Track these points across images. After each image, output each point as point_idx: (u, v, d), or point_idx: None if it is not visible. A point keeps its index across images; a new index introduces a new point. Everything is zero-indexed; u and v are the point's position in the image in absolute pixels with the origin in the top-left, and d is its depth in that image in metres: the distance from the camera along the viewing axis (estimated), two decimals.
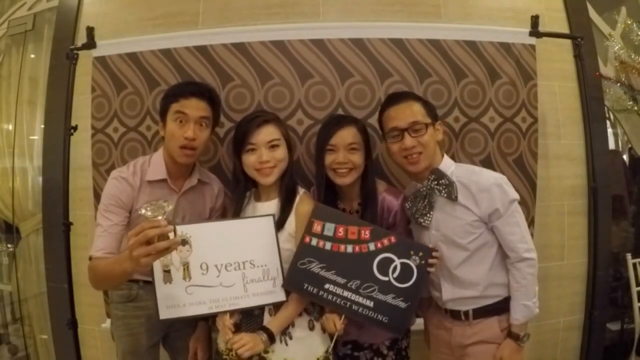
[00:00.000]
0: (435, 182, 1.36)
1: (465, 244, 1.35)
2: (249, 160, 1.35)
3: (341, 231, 1.27)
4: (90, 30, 1.87)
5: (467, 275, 1.36)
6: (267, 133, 1.35)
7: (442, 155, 1.41)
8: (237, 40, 1.79)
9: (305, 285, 1.28)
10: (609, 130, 2.23)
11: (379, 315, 1.29)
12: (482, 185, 1.33)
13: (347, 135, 1.39)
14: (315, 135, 1.73)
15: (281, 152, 1.37)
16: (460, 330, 1.41)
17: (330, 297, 1.28)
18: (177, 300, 1.26)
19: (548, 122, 1.99)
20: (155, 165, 1.45)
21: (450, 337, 1.43)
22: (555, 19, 2.05)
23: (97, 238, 1.35)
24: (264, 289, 1.32)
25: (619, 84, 2.20)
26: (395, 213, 1.44)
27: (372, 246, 1.28)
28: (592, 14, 2.18)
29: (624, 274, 2.35)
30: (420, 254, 1.29)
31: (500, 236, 1.34)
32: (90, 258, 1.32)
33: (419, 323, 1.59)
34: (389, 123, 1.37)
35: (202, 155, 1.76)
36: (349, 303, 1.28)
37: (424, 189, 1.38)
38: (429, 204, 1.37)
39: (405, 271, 1.29)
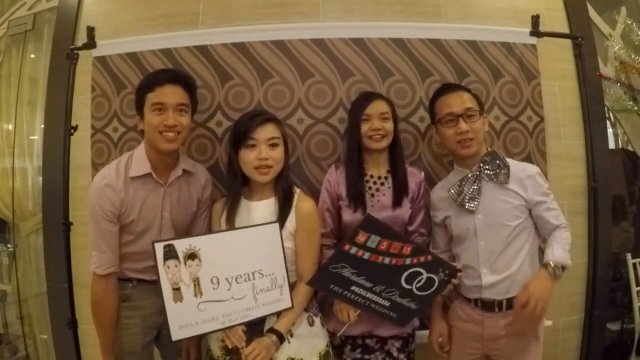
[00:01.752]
0: (487, 167, 1.43)
1: (513, 226, 1.40)
2: (248, 156, 1.34)
3: (384, 245, 1.25)
4: (90, 30, 1.87)
5: (507, 259, 1.41)
6: (269, 131, 1.36)
7: (494, 150, 1.49)
8: (237, 40, 1.79)
9: (332, 286, 1.29)
10: (609, 130, 2.23)
11: (391, 312, 1.35)
12: (529, 172, 1.43)
13: (379, 105, 1.53)
14: (316, 134, 1.76)
15: (279, 152, 1.37)
16: (492, 321, 1.42)
17: (352, 296, 1.31)
18: (189, 318, 1.19)
19: (548, 122, 1.99)
20: (138, 160, 1.42)
21: (482, 329, 1.44)
22: (556, 19, 2.05)
23: (96, 253, 1.38)
24: (272, 298, 1.29)
25: (619, 84, 2.20)
26: (420, 182, 1.58)
27: (408, 261, 1.28)
28: (592, 14, 2.18)
29: (624, 274, 2.35)
30: (447, 271, 1.33)
31: (542, 219, 1.42)
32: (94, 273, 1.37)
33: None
34: (444, 109, 1.46)
35: (199, 154, 1.78)
36: (368, 302, 1.33)
37: (473, 174, 1.44)
38: (477, 189, 1.43)
39: (428, 283, 1.33)
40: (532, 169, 1.46)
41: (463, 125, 1.41)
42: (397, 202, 1.52)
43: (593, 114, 1.99)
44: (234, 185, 1.42)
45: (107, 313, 1.42)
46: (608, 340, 2.21)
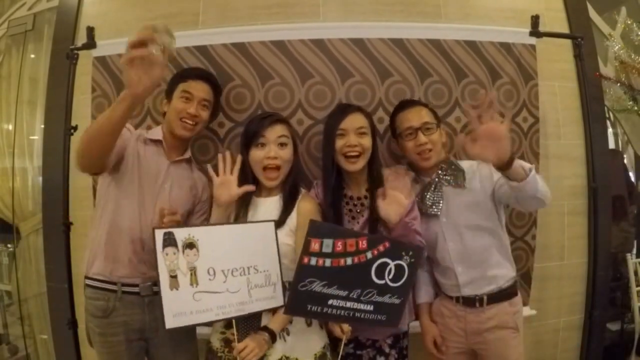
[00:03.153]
0: (444, 173, 1.53)
1: (478, 224, 1.48)
2: (257, 155, 1.38)
3: (339, 245, 1.24)
4: (90, 30, 1.87)
5: (479, 254, 1.48)
6: (278, 130, 1.40)
7: (448, 157, 1.59)
8: (237, 40, 1.79)
9: (309, 307, 1.25)
10: (609, 130, 2.23)
11: (378, 316, 1.31)
12: (477, 163, 1.52)
13: (355, 119, 1.45)
14: (316, 134, 1.76)
15: (288, 152, 1.41)
16: (474, 316, 1.49)
17: (333, 311, 1.27)
18: (184, 307, 1.22)
19: (548, 122, 1.99)
20: (155, 131, 1.56)
21: (465, 324, 1.50)
22: (555, 19, 2.05)
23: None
24: (266, 295, 1.31)
25: (619, 84, 2.20)
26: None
27: (369, 254, 1.27)
28: (592, 14, 2.18)
29: (624, 274, 2.36)
30: (411, 253, 1.30)
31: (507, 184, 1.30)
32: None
33: (416, 325, 1.61)
34: (404, 123, 1.53)
35: (201, 155, 1.78)
36: (351, 312, 1.29)
37: (432, 181, 1.53)
38: (438, 194, 1.51)
39: (399, 271, 1.30)
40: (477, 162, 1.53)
41: (421, 138, 1.49)
42: (371, 230, 1.42)
43: (593, 114, 1.99)
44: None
45: (93, 125, 1.30)
46: (608, 340, 2.21)
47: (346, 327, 1.31)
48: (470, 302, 1.49)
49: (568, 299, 2.04)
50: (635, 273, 2.28)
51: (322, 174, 1.51)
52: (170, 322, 1.20)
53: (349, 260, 1.25)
